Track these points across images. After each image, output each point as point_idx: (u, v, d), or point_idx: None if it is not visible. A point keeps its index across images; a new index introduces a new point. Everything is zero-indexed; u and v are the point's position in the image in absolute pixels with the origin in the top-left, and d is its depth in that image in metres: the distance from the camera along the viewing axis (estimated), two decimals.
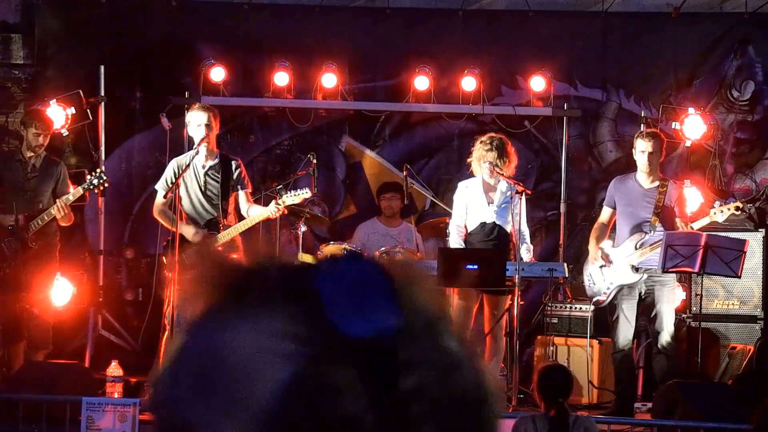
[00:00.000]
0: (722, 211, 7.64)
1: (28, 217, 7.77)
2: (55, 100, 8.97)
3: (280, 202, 7.45)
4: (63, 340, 8.88)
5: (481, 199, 7.85)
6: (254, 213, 7.57)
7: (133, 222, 9.89)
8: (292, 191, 7.52)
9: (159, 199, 7.62)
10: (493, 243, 7.80)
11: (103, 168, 9.29)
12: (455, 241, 7.92)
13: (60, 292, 8.22)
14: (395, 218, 9.27)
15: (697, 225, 7.69)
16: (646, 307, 7.77)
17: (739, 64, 9.92)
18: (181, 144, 8.97)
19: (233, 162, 7.66)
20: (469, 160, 8.03)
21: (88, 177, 7.85)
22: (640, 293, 7.74)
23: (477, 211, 7.86)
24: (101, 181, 7.81)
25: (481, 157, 7.82)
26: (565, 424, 5.02)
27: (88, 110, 9.17)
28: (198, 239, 7.44)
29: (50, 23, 9.85)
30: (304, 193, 7.51)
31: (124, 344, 9.36)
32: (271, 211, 7.46)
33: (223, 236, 7.48)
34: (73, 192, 7.80)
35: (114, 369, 7.47)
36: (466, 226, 7.96)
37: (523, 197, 7.71)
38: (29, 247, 7.74)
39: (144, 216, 9.72)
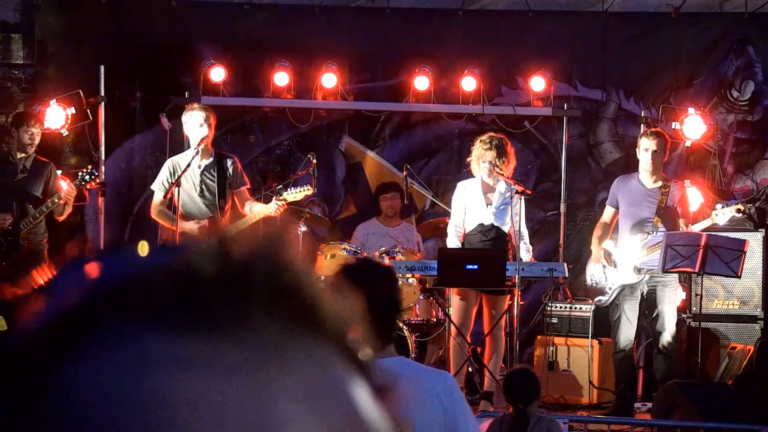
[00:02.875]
0: (723, 214, 7.64)
1: (18, 217, 7.78)
2: (55, 100, 8.98)
3: (281, 198, 7.43)
4: None
5: (479, 200, 7.84)
6: (256, 210, 7.54)
7: (133, 222, 9.89)
8: (293, 188, 7.50)
9: (156, 200, 7.58)
10: (491, 243, 7.80)
11: (102, 169, 9.32)
12: (452, 241, 7.92)
13: None
14: (395, 218, 9.27)
15: (698, 227, 7.69)
16: (648, 308, 7.77)
17: (739, 64, 9.92)
18: (181, 144, 8.95)
19: (228, 159, 7.62)
20: (468, 159, 8.03)
21: (80, 173, 7.85)
22: (642, 293, 7.74)
23: (475, 213, 7.86)
24: (92, 176, 7.81)
25: (480, 156, 7.81)
26: (522, 426, 4.93)
27: (88, 110, 9.17)
28: (203, 230, 7.42)
29: (50, 23, 9.85)
30: (306, 190, 7.49)
31: None
32: (272, 208, 7.43)
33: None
34: (65, 190, 7.81)
35: None
36: (464, 227, 7.96)
37: (522, 197, 7.70)
38: (21, 246, 7.75)
39: (144, 216, 9.72)
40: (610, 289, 7.80)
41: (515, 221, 7.73)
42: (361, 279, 3.23)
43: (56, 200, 7.76)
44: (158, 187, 7.60)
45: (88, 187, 7.93)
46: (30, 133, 7.94)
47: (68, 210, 7.95)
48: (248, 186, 7.69)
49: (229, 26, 9.99)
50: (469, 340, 7.56)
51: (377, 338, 3.21)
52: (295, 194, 7.46)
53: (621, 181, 7.97)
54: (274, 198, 7.48)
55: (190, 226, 7.43)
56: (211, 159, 7.58)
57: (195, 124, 7.50)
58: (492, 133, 8.03)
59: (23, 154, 7.96)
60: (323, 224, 9.50)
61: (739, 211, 7.67)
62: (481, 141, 7.89)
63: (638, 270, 7.68)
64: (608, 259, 7.80)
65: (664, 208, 7.70)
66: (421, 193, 9.52)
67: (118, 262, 0.59)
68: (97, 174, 7.89)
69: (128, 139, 9.92)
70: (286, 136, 10.09)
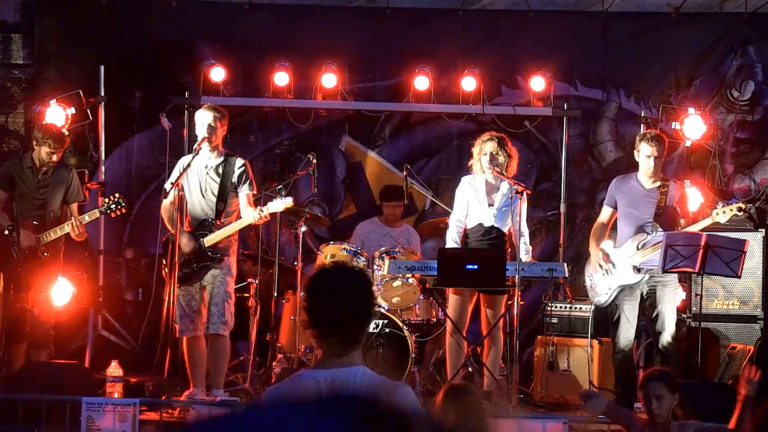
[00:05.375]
0: (724, 212, 7.62)
1: (39, 227, 7.71)
2: (55, 100, 8.97)
3: (264, 209, 7.40)
4: (63, 340, 8.88)
5: (482, 199, 7.82)
6: (243, 217, 7.52)
7: (133, 222, 9.89)
8: (276, 199, 7.48)
9: (168, 199, 7.53)
10: (488, 243, 7.78)
11: (102, 169, 9.30)
12: (451, 238, 7.89)
13: (60, 292, 8.21)
14: (396, 220, 9.28)
15: (699, 226, 7.68)
16: (648, 308, 7.77)
17: (739, 64, 9.92)
18: (181, 144, 8.98)
19: (237, 161, 7.59)
20: (470, 163, 8.00)
21: (106, 201, 7.75)
22: (641, 294, 7.73)
23: (477, 212, 7.84)
24: (119, 206, 7.71)
25: (480, 151, 7.79)
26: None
27: (88, 110, 9.17)
28: (188, 250, 7.38)
29: (50, 23, 9.85)
30: (287, 202, 7.46)
31: (124, 344, 9.36)
32: (255, 216, 7.39)
33: (209, 240, 7.44)
34: (89, 214, 7.73)
35: (114, 369, 7.47)
36: (465, 222, 7.95)
37: (524, 197, 7.70)
38: (41, 257, 7.71)
39: (144, 216, 9.73)
40: (609, 290, 7.79)
41: (515, 221, 7.72)
42: (331, 286, 3.24)
43: (66, 228, 7.69)
44: (170, 186, 7.56)
45: (112, 215, 7.86)
46: (50, 153, 7.81)
47: (83, 237, 7.88)
48: (254, 192, 7.64)
49: (229, 26, 9.99)
50: (465, 337, 7.56)
51: (339, 345, 3.22)
52: (276, 205, 7.43)
53: (619, 181, 7.96)
54: (257, 207, 7.45)
55: (182, 239, 7.38)
56: (220, 159, 7.55)
57: (198, 123, 7.50)
58: (490, 132, 8.03)
59: (44, 166, 7.86)
60: (323, 224, 9.50)
61: (740, 209, 7.65)
62: (478, 142, 7.89)
63: (637, 270, 7.67)
64: (606, 260, 7.79)
65: (663, 207, 7.70)
66: (421, 193, 9.51)
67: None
68: (124, 204, 7.76)
69: (128, 139, 9.92)
70: (286, 136, 10.08)
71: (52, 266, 7.85)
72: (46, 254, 7.72)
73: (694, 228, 7.63)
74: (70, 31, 9.87)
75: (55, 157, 7.82)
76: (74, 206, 7.91)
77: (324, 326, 3.21)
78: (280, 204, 7.44)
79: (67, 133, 9.04)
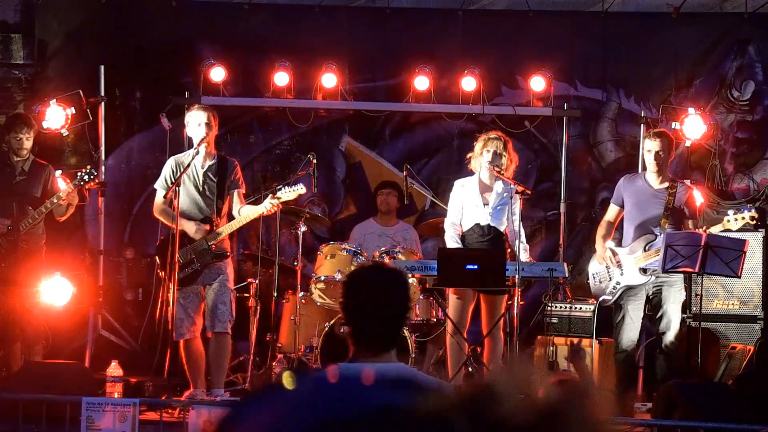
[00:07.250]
0: (736, 220, 7.59)
1: (17, 219, 7.75)
2: (55, 100, 8.97)
3: (276, 197, 7.43)
4: (63, 340, 8.88)
5: (476, 200, 7.83)
6: (247, 211, 7.53)
7: (133, 222, 9.89)
8: (287, 187, 7.49)
9: (159, 198, 7.61)
10: (487, 243, 7.78)
11: (102, 169, 9.32)
12: (451, 237, 7.90)
13: (60, 292, 8.21)
14: (391, 217, 9.26)
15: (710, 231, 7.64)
16: (652, 307, 7.76)
17: (739, 64, 9.92)
18: (181, 144, 8.97)
19: (230, 163, 7.65)
20: (468, 155, 8.01)
21: (79, 173, 7.80)
22: (647, 294, 7.72)
23: (472, 212, 7.85)
24: (91, 177, 7.75)
25: (483, 147, 7.78)
26: None
27: (88, 110, 9.17)
28: (199, 236, 7.44)
29: (50, 23, 9.85)
30: (300, 189, 7.47)
31: (124, 344, 9.36)
32: (266, 206, 7.43)
33: (214, 236, 7.47)
34: (64, 191, 7.76)
35: (114, 369, 7.47)
36: (461, 225, 7.95)
37: (520, 198, 7.68)
38: (21, 248, 7.74)
39: (144, 216, 9.72)
40: (614, 289, 7.78)
41: (513, 221, 7.72)
42: (366, 284, 3.22)
43: (55, 200, 7.73)
44: (160, 186, 7.62)
45: (87, 187, 7.89)
46: (18, 138, 7.89)
47: (70, 210, 7.93)
48: (243, 190, 7.69)
49: (229, 26, 9.99)
50: (465, 338, 7.56)
51: (374, 343, 3.20)
52: (288, 193, 7.45)
53: (627, 180, 7.94)
54: (269, 196, 7.47)
55: (190, 227, 7.44)
56: (214, 161, 7.59)
57: (195, 124, 7.51)
58: (496, 131, 8.03)
59: (18, 158, 7.92)
60: (323, 224, 9.50)
61: (753, 218, 7.62)
62: (483, 138, 7.88)
63: (644, 271, 7.66)
64: (613, 258, 7.78)
65: (671, 208, 7.69)
66: (421, 193, 9.51)
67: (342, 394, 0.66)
68: (96, 174, 7.83)
69: (128, 139, 9.92)
70: (286, 136, 10.08)
71: (33, 260, 7.85)
72: (24, 245, 7.73)
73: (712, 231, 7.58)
74: (70, 31, 9.87)
75: (24, 143, 7.87)
76: (57, 194, 7.95)
77: (361, 325, 3.20)
78: (292, 192, 7.44)
79: (66, 133, 9.07)
